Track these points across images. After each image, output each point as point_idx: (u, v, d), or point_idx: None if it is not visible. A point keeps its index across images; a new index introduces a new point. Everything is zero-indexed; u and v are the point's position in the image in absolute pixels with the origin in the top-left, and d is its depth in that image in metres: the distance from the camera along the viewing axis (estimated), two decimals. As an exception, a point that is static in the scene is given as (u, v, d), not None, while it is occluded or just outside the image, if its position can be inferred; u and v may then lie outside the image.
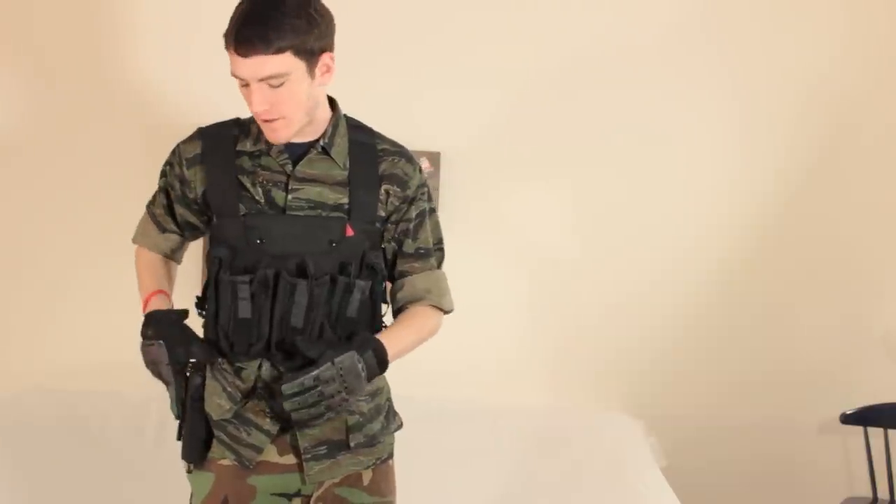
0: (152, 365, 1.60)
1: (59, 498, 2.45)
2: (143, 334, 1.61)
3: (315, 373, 1.49)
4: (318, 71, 1.57)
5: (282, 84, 1.52)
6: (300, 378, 1.49)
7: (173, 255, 1.81)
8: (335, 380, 1.50)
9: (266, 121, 1.56)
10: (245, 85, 1.54)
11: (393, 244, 1.71)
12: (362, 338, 1.58)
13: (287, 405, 1.50)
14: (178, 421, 1.68)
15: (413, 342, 1.68)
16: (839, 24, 2.90)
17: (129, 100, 2.82)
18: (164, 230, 1.78)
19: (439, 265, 1.77)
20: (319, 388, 1.49)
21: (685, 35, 2.89)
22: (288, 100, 1.54)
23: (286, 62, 1.51)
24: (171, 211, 1.75)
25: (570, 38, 2.88)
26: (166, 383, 1.61)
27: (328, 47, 1.58)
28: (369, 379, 1.55)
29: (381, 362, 1.57)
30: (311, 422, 1.58)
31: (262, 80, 1.51)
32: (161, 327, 1.60)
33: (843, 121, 2.92)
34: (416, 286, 1.72)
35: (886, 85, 2.92)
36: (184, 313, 1.66)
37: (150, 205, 1.80)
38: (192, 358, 1.59)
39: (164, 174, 1.75)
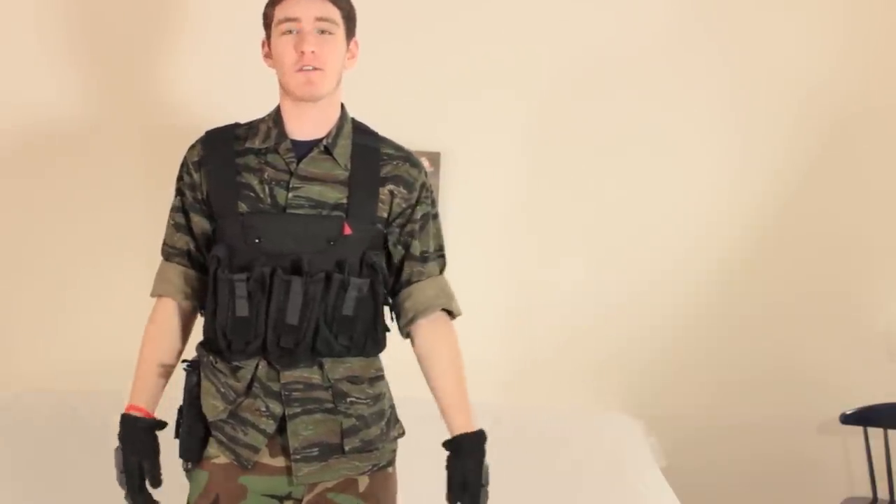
0: (117, 466, 1.67)
1: (59, 498, 2.44)
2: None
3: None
4: (349, 48, 1.69)
5: (330, 34, 1.62)
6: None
7: (193, 298, 1.72)
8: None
9: (306, 70, 1.60)
10: (288, 32, 1.61)
11: (400, 248, 1.72)
12: (470, 446, 1.71)
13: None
14: (176, 418, 1.69)
15: (464, 385, 1.82)
16: (838, 25, 2.90)
17: (130, 100, 2.82)
18: (177, 254, 1.72)
19: (441, 272, 1.77)
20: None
21: (684, 35, 2.89)
22: (331, 53, 1.62)
23: (336, 15, 1.63)
24: (187, 229, 1.71)
25: (570, 40, 2.88)
26: (123, 488, 1.66)
27: (355, 35, 1.71)
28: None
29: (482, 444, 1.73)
30: None
31: (317, 19, 1.60)
32: (127, 434, 1.67)
33: (842, 121, 2.92)
34: (425, 293, 1.72)
35: (885, 85, 2.92)
36: (154, 424, 1.69)
37: (164, 241, 1.76)
38: (146, 473, 1.65)
39: (178, 191, 1.74)
